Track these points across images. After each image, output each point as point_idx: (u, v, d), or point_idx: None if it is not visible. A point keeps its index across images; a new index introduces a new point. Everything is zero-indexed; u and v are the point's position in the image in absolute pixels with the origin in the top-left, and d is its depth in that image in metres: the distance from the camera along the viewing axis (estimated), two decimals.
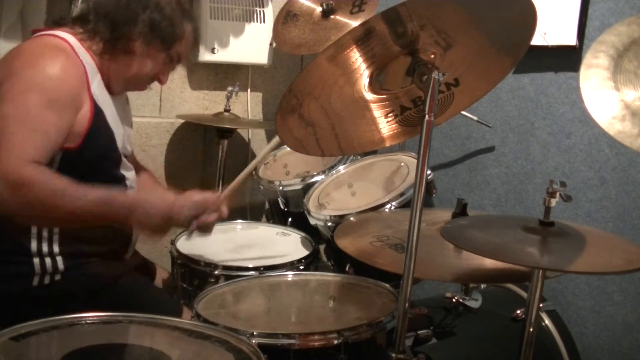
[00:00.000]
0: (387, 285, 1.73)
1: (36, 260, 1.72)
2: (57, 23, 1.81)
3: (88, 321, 1.35)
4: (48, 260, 1.73)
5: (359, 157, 2.34)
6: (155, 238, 1.72)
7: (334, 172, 2.30)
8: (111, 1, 1.77)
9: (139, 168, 2.09)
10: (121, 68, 1.80)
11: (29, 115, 1.60)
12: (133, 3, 1.76)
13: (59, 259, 1.74)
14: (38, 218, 1.63)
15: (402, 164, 2.18)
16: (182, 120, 2.82)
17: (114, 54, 1.77)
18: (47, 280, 1.73)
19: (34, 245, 1.72)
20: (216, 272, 1.93)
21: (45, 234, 1.73)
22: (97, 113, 1.74)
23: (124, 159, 1.87)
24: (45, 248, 1.72)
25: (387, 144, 1.62)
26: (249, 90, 2.96)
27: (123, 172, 1.86)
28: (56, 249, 1.73)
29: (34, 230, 1.72)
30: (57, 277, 1.74)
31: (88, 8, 1.80)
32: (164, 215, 1.67)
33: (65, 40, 1.73)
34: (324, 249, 2.28)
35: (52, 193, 1.56)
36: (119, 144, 1.83)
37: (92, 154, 1.74)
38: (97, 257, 1.79)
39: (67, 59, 1.69)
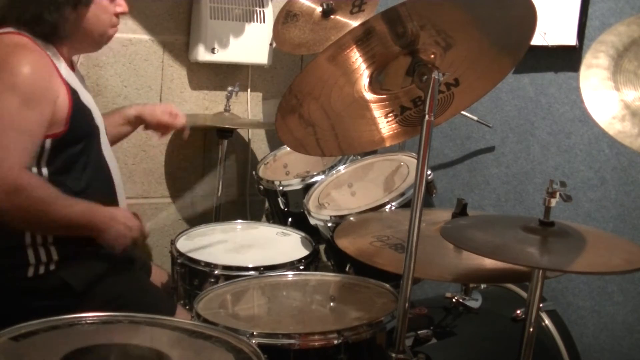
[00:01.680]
0: (387, 285, 1.73)
1: (30, 251, 1.73)
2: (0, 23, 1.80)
3: (88, 321, 1.35)
4: (42, 250, 1.74)
5: (359, 157, 2.34)
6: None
7: (334, 172, 2.30)
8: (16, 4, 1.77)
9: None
10: (82, 40, 1.82)
11: (11, 117, 1.63)
12: None
13: (53, 248, 1.75)
14: (30, 223, 1.68)
15: (402, 164, 2.18)
16: None
17: (61, 40, 1.78)
18: (42, 270, 1.74)
19: (27, 234, 1.73)
20: (216, 272, 1.93)
21: None
22: (74, 95, 1.77)
23: (103, 135, 1.90)
24: (39, 237, 1.74)
25: (387, 144, 1.62)
26: (249, 90, 2.96)
27: (104, 153, 1.89)
28: (50, 237, 1.75)
29: None
30: (52, 267, 1.75)
31: (2, 13, 1.79)
32: (135, 236, 1.79)
33: (23, 35, 1.73)
34: (324, 249, 2.28)
35: (46, 200, 1.65)
36: (96, 117, 1.86)
37: (78, 135, 1.78)
38: (91, 244, 1.80)
39: (31, 53, 1.71)
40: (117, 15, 1.87)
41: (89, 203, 1.73)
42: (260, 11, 2.80)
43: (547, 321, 1.85)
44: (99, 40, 1.88)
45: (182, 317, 1.62)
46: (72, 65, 1.87)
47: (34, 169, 1.72)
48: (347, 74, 1.43)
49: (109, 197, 1.88)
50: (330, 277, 1.85)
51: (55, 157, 1.74)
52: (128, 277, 1.88)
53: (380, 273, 1.58)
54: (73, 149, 1.77)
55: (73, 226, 1.70)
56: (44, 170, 1.74)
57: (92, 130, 1.85)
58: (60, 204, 1.67)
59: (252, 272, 1.90)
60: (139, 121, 2.16)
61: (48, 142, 1.71)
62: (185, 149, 2.87)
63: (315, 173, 2.35)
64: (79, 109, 1.78)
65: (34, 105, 1.66)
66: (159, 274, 2.17)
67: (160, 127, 2.18)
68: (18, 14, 1.75)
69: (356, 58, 1.39)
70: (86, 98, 1.85)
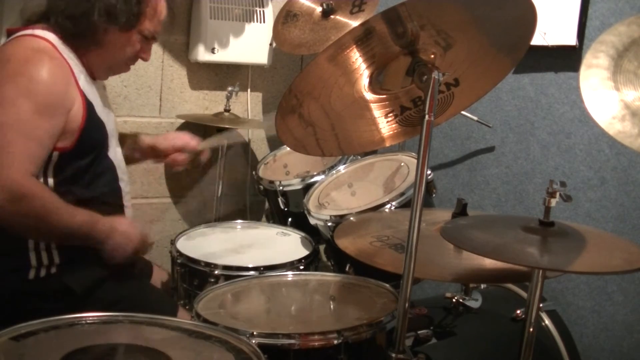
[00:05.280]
0: (387, 285, 1.73)
1: (32, 254, 1.73)
2: (30, 20, 1.81)
3: (88, 321, 1.35)
4: (44, 254, 1.74)
5: (359, 157, 2.34)
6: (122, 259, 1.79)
7: (334, 172, 2.30)
8: None
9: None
10: (99, 58, 1.82)
11: (22, 123, 1.62)
12: None
13: (55, 252, 1.75)
14: (30, 231, 1.68)
15: (402, 164, 2.18)
16: (182, 120, 2.82)
17: (87, 46, 1.79)
18: (43, 273, 1.74)
19: (31, 240, 1.72)
20: (216, 272, 1.93)
21: None
22: (89, 108, 1.76)
23: (113, 145, 1.90)
24: (42, 242, 1.73)
25: (387, 144, 1.62)
26: (249, 90, 2.96)
27: (111, 156, 1.88)
28: (53, 243, 1.74)
29: None
30: (53, 270, 1.75)
31: (49, 5, 1.81)
32: (136, 246, 1.78)
33: (47, 40, 1.73)
34: (324, 249, 2.28)
35: (48, 209, 1.64)
36: (109, 131, 1.86)
37: (88, 149, 1.77)
38: (93, 250, 1.80)
39: (51, 60, 1.70)
40: (135, 58, 1.88)
41: (91, 214, 1.71)
42: (260, 11, 2.80)
43: (547, 321, 1.85)
44: (108, 66, 1.87)
45: (182, 318, 1.62)
46: (93, 76, 1.86)
47: (40, 179, 1.71)
48: (347, 74, 1.43)
49: (116, 205, 1.88)
50: (330, 277, 1.85)
51: (62, 169, 1.73)
52: (129, 281, 1.87)
53: (380, 273, 1.58)
54: (82, 161, 1.76)
55: (73, 236, 1.69)
56: (50, 180, 1.73)
57: (103, 143, 1.84)
58: (63, 213, 1.66)
59: (252, 272, 1.90)
60: (151, 151, 2.15)
61: (55, 154, 1.71)
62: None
63: (315, 173, 2.35)
64: (92, 122, 1.77)
65: (48, 114, 1.66)
66: (159, 274, 2.16)
67: (175, 151, 2.15)
68: (63, 8, 1.75)
69: (356, 58, 1.39)
70: (101, 110, 1.83)
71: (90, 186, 1.80)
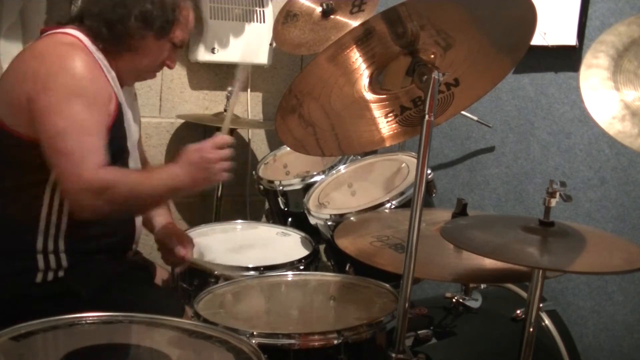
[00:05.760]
0: (387, 285, 1.73)
1: (40, 257, 1.72)
2: (60, 23, 1.82)
3: (88, 321, 1.35)
4: (52, 257, 1.73)
5: (359, 157, 2.34)
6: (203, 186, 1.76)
7: (334, 172, 2.30)
8: (102, 0, 1.78)
9: (144, 164, 2.13)
10: (129, 63, 1.82)
11: (79, 123, 1.64)
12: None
13: (63, 256, 1.74)
14: (128, 210, 1.77)
15: (402, 164, 2.18)
16: (182, 120, 2.82)
17: (119, 51, 1.79)
18: (50, 276, 1.73)
19: (39, 242, 1.72)
20: (216, 272, 1.92)
21: (52, 231, 1.73)
22: (120, 109, 1.77)
23: (132, 157, 1.89)
24: (50, 245, 1.73)
25: (387, 144, 1.62)
26: (249, 90, 2.96)
27: (131, 166, 1.88)
28: (62, 246, 1.74)
29: (40, 227, 1.73)
30: (61, 273, 1.75)
31: (82, 9, 1.81)
32: (202, 168, 1.71)
33: (78, 38, 1.74)
34: (324, 249, 2.28)
35: (132, 187, 1.68)
36: (129, 140, 1.85)
37: (111, 149, 1.76)
38: (102, 253, 1.80)
39: (86, 56, 1.71)
40: (162, 66, 1.88)
41: (166, 170, 1.77)
42: (260, 11, 2.80)
43: (547, 321, 1.85)
44: (137, 72, 1.87)
45: (188, 318, 1.62)
46: (121, 81, 1.85)
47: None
48: (347, 74, 1.43)
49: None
50: (330, 277, 1.85)
51: None
52: (136, 283, 1.87)
53: (380, 273, 1.58)
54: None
55: (166, 196, 1.79)
56: None
57: (123, 149, 1.83)
58: (145, 184, 1.69)
59: (252, 272, 1.90)
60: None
61: None
62: None
63: (315, 173, 2.35)
64: (119, 125, 1.77)
65: (96, 106, 1.68)
66: (160, 274, 2.16)
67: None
68: (98, 12, 1.75)
69: (356, 58, 1.39)
70: (129, 116, 1.83)
71: None
